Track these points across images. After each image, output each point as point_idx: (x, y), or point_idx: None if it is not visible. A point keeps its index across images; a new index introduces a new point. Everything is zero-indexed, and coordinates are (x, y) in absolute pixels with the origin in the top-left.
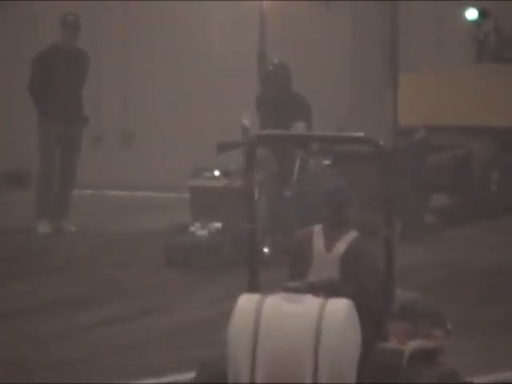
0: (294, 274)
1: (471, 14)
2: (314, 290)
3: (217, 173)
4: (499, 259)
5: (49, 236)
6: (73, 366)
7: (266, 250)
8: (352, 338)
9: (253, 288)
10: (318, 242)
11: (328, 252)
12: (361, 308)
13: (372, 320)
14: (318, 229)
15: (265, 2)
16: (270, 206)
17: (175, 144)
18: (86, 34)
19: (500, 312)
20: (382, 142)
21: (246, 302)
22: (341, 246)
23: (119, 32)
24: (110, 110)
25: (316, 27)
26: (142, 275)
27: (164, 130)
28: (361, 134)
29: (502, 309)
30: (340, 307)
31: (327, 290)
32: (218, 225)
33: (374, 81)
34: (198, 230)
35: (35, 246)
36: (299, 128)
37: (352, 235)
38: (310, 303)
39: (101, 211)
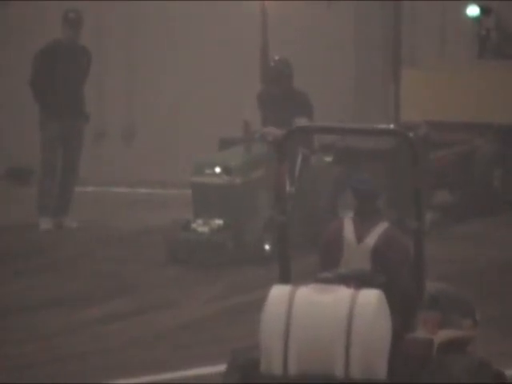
0: (325, 265)
1: (473, 10)
2: (346, 280)
3: (218, 169)
4: (503, 255)
5: (51, 232)
6: (72, 363)
7: (267, 246)
8: (383, 329)
9: (284, 279)
10: (349, 233)
11: (358, 243)
12: (391, 298)
13: (402, 310)
14: (348, 220)
15: (266, 1)
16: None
17: (177, 141)
18: (89, 30)
19: (505, 307)
20: (411, 134)
21: (278, 292)
22: (371, 237)
23: (122, 29)
24: (113, 106)
25: (318, 25)
26: (143, 272)
27: (166, 127)
28: (391, 126)
29: (506, 304)
30: (371, 298)
31: (358, 280)
32: (220, 221)
33: (377, 77)
34: (200, 227)
35: (37, 243)
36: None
37: (383, 226)
38: (341, 294)
39: (102, 208)
